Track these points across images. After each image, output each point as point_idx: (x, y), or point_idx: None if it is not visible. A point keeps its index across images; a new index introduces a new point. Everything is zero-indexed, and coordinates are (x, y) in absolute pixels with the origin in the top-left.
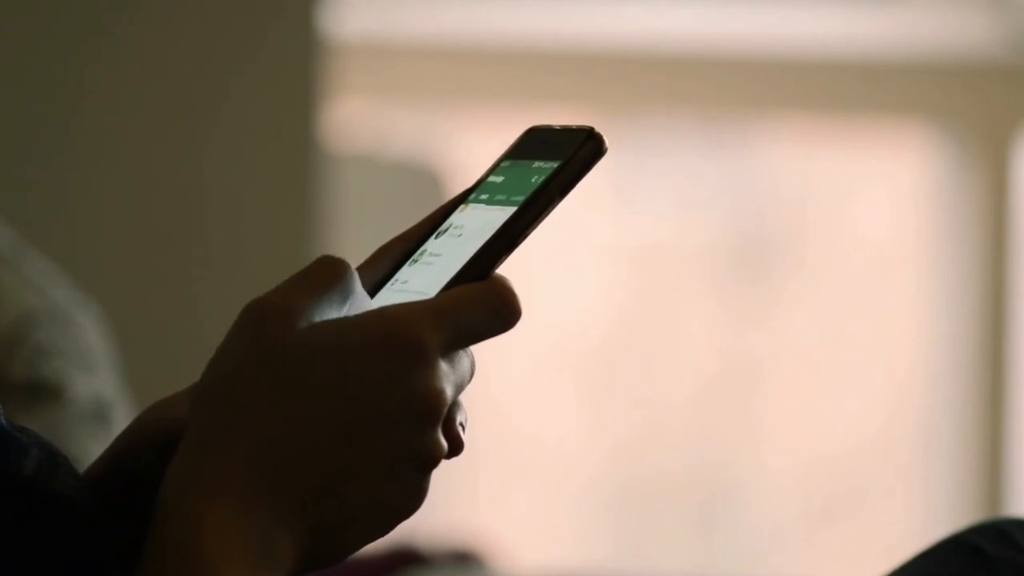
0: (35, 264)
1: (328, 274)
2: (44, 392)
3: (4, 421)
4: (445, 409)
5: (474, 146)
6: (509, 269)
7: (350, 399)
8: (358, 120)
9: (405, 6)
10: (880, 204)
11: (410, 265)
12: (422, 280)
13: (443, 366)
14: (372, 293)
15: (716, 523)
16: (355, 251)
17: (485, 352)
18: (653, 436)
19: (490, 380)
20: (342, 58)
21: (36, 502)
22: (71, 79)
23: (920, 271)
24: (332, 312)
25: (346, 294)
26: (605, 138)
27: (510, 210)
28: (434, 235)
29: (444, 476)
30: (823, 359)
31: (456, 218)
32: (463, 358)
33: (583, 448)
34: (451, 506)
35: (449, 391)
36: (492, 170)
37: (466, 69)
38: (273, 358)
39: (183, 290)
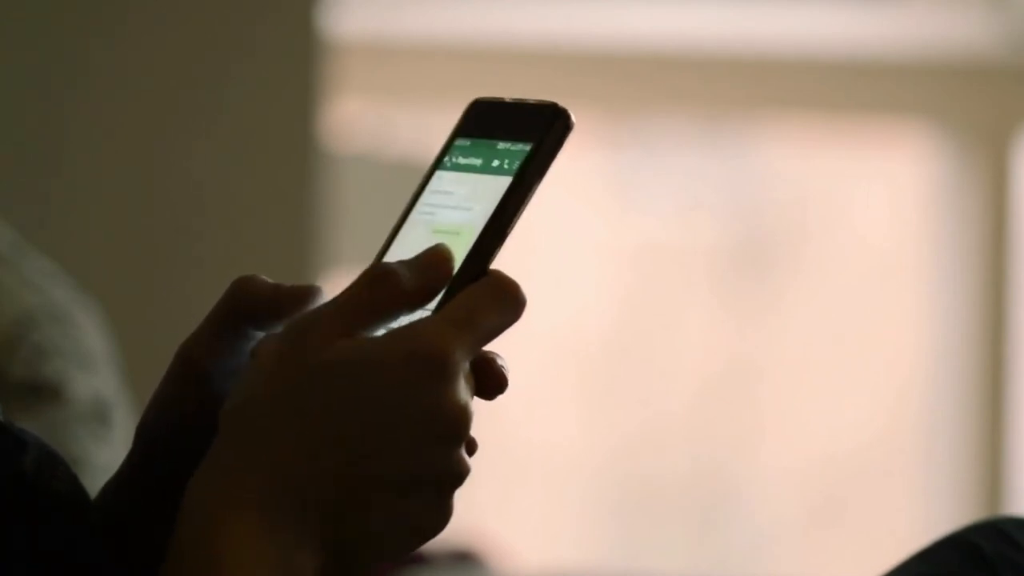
0: (35, 264)
1: (374, 299)
2: (44, 392)
3: (2, 418)
4: (470, 426)
5: None
6: (509, 267)
7: (378, 417)
8: (358, 120)
9: (405, 6)
10: (880, 204)
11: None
12: None
13: (463, 380)
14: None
15: (716, 523)
16: (355, 251)
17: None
18: (653, 436)
19: None
20: (342, 58)
21: (35, 499)
22: (70, 79)
23: (920, 271)
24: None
25: (391, 320)
26: (571, 112)
27: (494, 200)
28: (403, 226)
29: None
30: (823, 359)
31: (425, 209)
32: (468, 367)
33: (583, 448)
34: None
35: (471, 407)
36: (448, 149)
37: (466, 69)
38: (298, 377)
39: (183, 290)
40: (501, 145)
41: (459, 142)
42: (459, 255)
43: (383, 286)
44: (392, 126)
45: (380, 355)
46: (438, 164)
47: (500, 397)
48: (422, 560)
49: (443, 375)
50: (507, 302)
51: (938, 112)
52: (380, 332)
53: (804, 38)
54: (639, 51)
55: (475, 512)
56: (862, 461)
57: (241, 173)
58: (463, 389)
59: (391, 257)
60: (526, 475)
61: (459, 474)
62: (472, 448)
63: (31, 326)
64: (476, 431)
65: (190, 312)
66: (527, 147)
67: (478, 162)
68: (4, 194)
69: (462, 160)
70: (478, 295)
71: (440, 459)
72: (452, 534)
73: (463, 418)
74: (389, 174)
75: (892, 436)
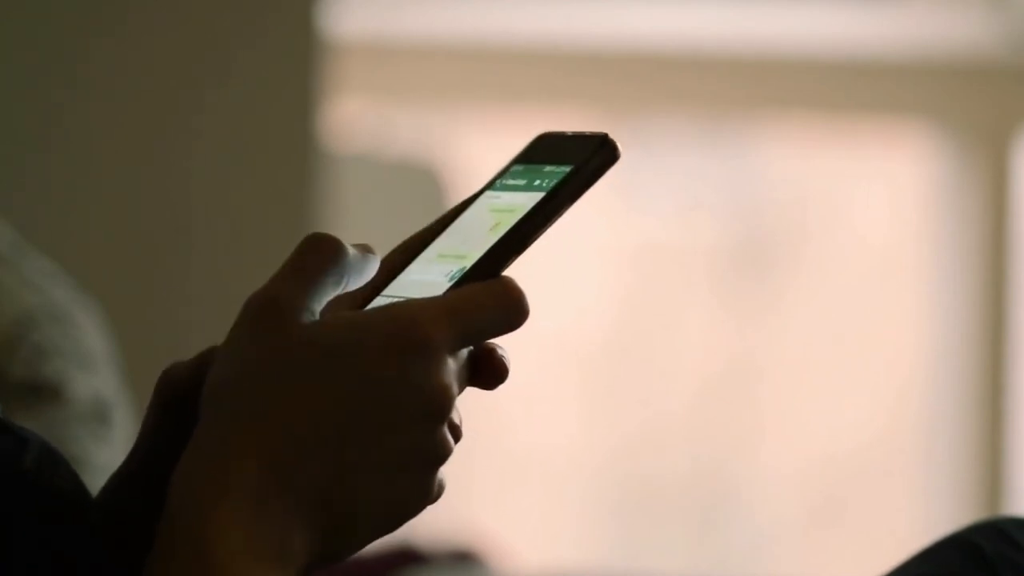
0: (35, 264)
1: (320, 257)
2: (44, 392)
3: (3, 416)
4: (453, 406)
5: (474, 146)
6: (511, 267)
7: (360, 396)
8: (358, 120)
9: (405, 6)
10: (880, 204)
11: (419, 262)
12: (430, 277)
13: (450, 363)
14: (380, 288)
15: (716, 523)
16: None
17: None
18: (653, 436)
19: None
20: (342, 58)
21: (35, 498)
22: (70, 79)
23: (920, 271)
24: (330, 295)
25: (341, 274)
26: (619, 145)
27: (521, 212)
28: (444, 234)
29: (444, 475)
30: (823, 359)
31: (466, 218)
32: (464, 356)
33: (583, 448)
34: (451, 506)
35: (455, 388)
36: (503, 173)
37: (466, 69)
38: (279, 356)
39: (183, 290)
40: (547, 168)
41: (514, 168)
42: (478, 253)
43: (325, 249)
44: (392, 126)
45: (367, 333)
46: (489, 185)
47: (501, 398)
48: (422, 560)
49: (427, 356)
50: (509, 306)
51: (938, 112)
52: (331, 293)
53: (804, 38)
54: (639, 51)
55: (475, 512)
56: (862, 461)
57: (241, 173)
58: (446, 371)
59: (416, 272)
60: (526, 475)
61: (442, 454)
62: (456, 433)
63: (31, 326)
64: (477, 431)
65: (190, 312)
66: (567, 169)
67: (522, 182)
68: (4, 194)
69: (510, 181)
70: (481, 290)
71: (423, 438)
72: (452, 534)
73: (445, 397)
74: (389, 174)
75: (892, 436)
